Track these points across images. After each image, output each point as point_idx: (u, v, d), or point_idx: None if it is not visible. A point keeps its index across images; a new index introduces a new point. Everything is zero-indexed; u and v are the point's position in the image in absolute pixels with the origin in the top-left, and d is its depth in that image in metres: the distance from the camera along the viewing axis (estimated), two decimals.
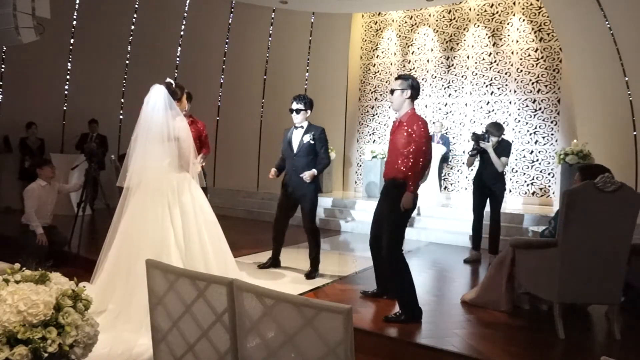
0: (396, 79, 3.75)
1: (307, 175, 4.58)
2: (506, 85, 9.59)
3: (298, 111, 4.68)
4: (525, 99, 9.38)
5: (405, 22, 10.90)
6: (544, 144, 9.19)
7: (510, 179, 9.34)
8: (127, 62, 9.94)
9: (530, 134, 9.33)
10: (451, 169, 10.12)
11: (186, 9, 10.32)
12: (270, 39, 11.01)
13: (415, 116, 3.61)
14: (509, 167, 9.23)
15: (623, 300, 3.46)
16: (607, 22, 7.53)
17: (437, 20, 10.48)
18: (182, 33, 10.38)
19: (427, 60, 10.55)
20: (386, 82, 10.94)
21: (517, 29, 9.52)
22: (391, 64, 11.00)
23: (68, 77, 9.41)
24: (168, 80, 3.63)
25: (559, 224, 3.28)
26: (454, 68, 10.19)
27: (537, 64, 9.29)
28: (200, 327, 1.66)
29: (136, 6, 9.82)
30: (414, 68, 10.68)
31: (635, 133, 7.68)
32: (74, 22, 9.23)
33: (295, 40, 11.14)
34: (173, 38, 10.33)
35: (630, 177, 7.51)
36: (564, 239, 3.23)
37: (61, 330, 1.70)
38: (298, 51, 11.18)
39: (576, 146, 7.04)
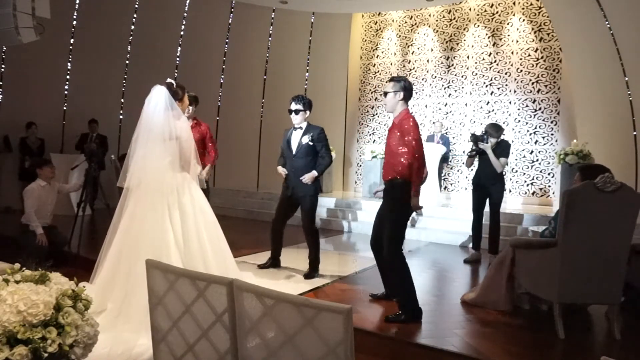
0: (388, 81, 3.81)
1: (307, 179, 4.56)
2: (506, 85, 9.59)
3: (297, 112, 4.67)
4: (525, 99, 9.37)
5: (405, 22, 10.90)
6: (544, 144, 9.19)
7: (510, 179, 9.34)
8: (127, 62, 9.94)
9: (530, 134, 9.33)
10: (451, 169, 10.12)
11: (186, 9, 10.32)
12: (270, 39, 11.01)
13: (406, 116, 3.66)
14: (509, 167, 9.23)
15: (623, 300, 3.45)
16: (607, 22, 7.53)
17: (437, 20, 10.48)
18: (182, 33, 10.38)
19: (427, 60, 10.55)
20: (386, 82, 10.90)
21: (517, 29, 9.52)
22: (391, 64, 11.00)
23: (68, 77, 9.40)
24: (169, 80, 3.63)
25: (559, 224, 3.28)
26: (454, 68, 10.19)
27: (537, 64, 9.29)
28: (200, 327, 1.66)
29: (136, 6, 9.82)
30: (414, 68, 10.68)
31: (635, 133, 7.67)
32: (74, 22, 9.23)
33: (295, 40, 11.14)
34: (173, 38, 10.33)
35: (630, 177, 7.51)
36: (564, 239, 3.23)
37: (61, 330, 1.70)
38: (298, 51, 11.18)
39: (576, 146, 7.04)
